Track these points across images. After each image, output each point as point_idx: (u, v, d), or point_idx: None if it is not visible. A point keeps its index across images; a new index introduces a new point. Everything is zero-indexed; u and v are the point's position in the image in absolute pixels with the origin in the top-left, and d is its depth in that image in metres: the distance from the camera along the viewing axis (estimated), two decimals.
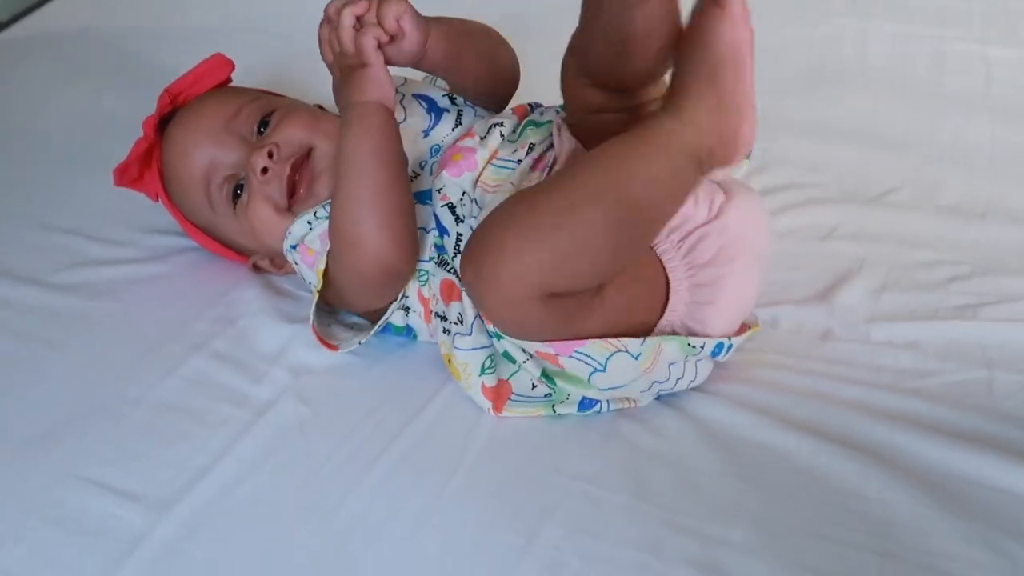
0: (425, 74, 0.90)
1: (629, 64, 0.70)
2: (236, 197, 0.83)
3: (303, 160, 0.82)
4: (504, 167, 0.78)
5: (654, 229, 0.68)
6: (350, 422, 0.74)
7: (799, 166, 0.99)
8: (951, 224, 0.90)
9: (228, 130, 0.83)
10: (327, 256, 0.77)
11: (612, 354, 0.68)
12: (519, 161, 0.78)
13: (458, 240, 0.76)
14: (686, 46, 0.65)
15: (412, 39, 0.77)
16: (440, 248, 0.77)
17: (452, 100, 0.87)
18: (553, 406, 0.73)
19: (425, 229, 0.78)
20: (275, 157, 0.81)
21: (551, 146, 0.79)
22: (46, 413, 0.76)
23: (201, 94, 0.88)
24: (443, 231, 0.77)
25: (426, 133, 0.84)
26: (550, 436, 0.72)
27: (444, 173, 0.78)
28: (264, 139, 0.82)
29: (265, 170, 0.80)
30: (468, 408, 0.75)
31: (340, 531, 0.66)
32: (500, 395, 0.74)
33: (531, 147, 0.79)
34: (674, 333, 0.71)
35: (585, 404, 0.73)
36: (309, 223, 0.81)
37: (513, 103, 0.88)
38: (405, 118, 0.84)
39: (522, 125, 0.82)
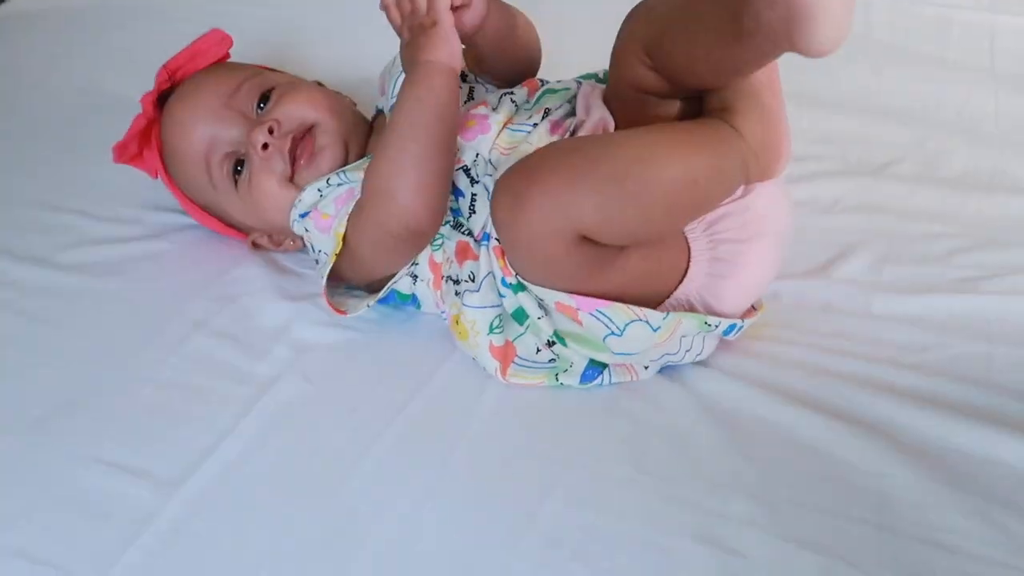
0: None
1: (698, 74, 0.70)
2: (236, 174, 0.83)
3: (303, 135, 0.82)
4: (519, 131, 0.79)
5: (696, 214, 0.71)
6: (353, 399, 0.75)
7: (801, 139, 0.96)
8: (954, 196, 0.90)
9: (228, 106, 0.83)
10: (347, 218, 0.77)
11: (632, 321, 0.69)
12: (534, 124, 0.78)
13: (473, 199, 0.77)
14: None
15: (477, 10, 0.78)
16: (455, 211, 0.78)
17: (464, 78, 0.87)
18: (556, 374, 0.74)
19: None
20: (276, 133, 0.81)
21: (570, 113, 0.79)
22: (54, 393, 0.77)
23: (200, 70, 0.88)
24: (458, 193, 0.78)
25: None
26: (551, 410, 0.72)
27: (458, 138, 0.79)
28: (264, 115, 0.83)
29: (266, 146, 0.80)
30: (470, 383, 0.75)
31: (345, 507, 0.66)
32: (506, 356, 0.74)
33: (547, 111, 0.79)
34: (691, 308, 0.72)
35: (587, 375, 0.73)
36: (320, 190, 0.81)
37: None
38: None
39: (539, 93, 0.83)
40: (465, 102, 0.84)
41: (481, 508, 0.66)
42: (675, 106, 0.74)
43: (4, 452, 0.72)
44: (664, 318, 0.69)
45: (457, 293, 0.77)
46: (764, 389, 0.71)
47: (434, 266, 0.79)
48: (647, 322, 0.69)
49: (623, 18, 0.73)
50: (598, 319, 0.70)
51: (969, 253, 0.83)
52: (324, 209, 0.79)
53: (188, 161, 0.85)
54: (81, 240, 0.93)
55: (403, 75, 0.85)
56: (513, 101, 0.83)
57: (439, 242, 0.79)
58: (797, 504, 0.63)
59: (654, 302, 0.71)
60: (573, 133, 0.76)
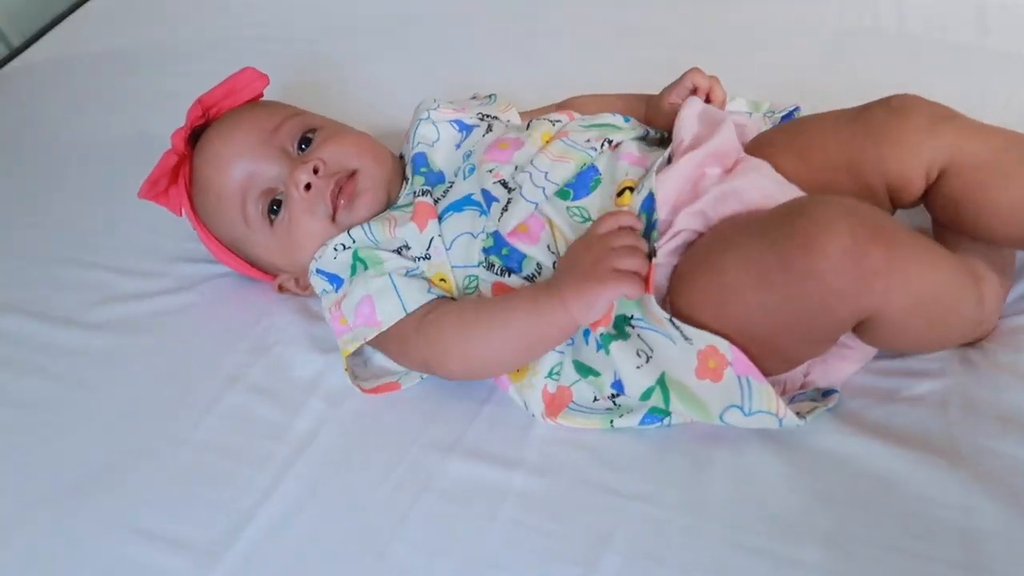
0: (476, 100, 0.94)
1: (989, 220, 0.69)
2: (272, 212, 0.81)
3: (345, 180, 0.80)
4: (577, 147, 0.77)
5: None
6: (393, 451, 0.72)
7: None
8: None
9: (269, 143, 0.82)
10: (370, 336, 0.75)
11: (767, 413, 0.64)
12: (594, 149, 0.76)
13: (508, 203, 0.74)
14: None
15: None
16: (487, 250, 0.75)
17: (481, 118, 0.86)
18: (612, 420, 0.70)
19: (472, 235, 0.76)
20: (320, 173, 0.79)
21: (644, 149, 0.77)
22: (89, 460, 0.75)
23: (238, 106, 0.87)
24: (490, 200, 0.75)
25: (458, 145, 0.84)
26: (601, 453, 0.69)
27: (493, 159, 0.78)
28: (308, 154, 0.81)
29: (309, 186, 0.79)
30: (512, 426, 0.72)
31: (394, 567, 0.64)
32: (558, 402, 0.71)
33: (609, 141, 0.77)
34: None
35: (648, 418, 0.69)
36: (336, 249, 0.79)
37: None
38: (439, 137, 0.84)
39: (596, 122, 0.81)
40: (484, 135, 0.83)
41: (535, 564, 0.62)
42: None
43: (40, 525, 0.70)
44: (798, 424, 0.64)
45: None
46: (831, 417, 0.67)
47: None
48: (780, 419, 0.64)
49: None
50: (741, 386, 0.64)
51: None
52: (345, 311, 0.76)
53: (223, 197, 0.83)
54: (109, 297, 0.92)
55: (422, 122, 0.84)
56: (549, 121, 0.82)
57: (473, 285, 0.76)
58: (876, 545, 0.59)
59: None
60: (669, 160, 0.73)
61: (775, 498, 0.63)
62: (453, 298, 0.77)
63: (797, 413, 0.65)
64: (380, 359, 0.80)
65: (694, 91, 0.85)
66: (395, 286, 0.75)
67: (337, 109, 1.11)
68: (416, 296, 0.74)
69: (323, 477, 0.71)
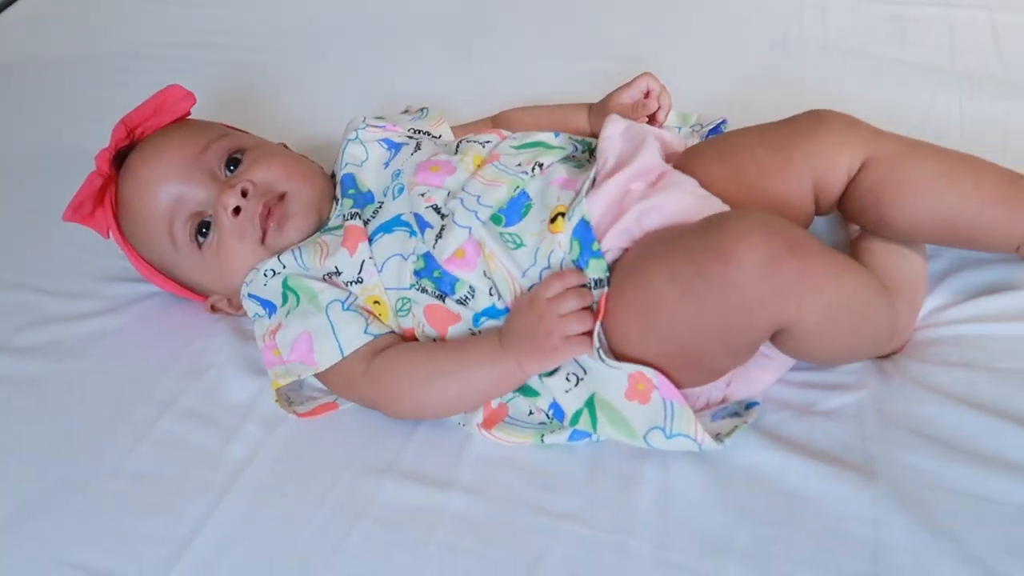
0: (408, 114, 0.95)
1: (915, 219, 0.73)
2: (201, 235, 0.81)
3: (275, 202, 0.80)
4: (508, 171, 0.78)
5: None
6: (328, 476, 0.72)
7: None
8: None
9: (196, 166, 0.81)
10: (305, 374, 0.76)
11: (687, 436, 0.66)
12: (526, 173, 0.77)
13: (441, 230, 0.75)
14: None
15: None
16: (418, 272, 0.75)
17: (412, 134, 0.86)
18: (542, 435, 0.72)
19: (403, 256, 0.76)
20: (249, 196, 0.79)
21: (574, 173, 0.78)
22: (18, 492, 0.74)
23: (163, 127, 0.85)
24: (423, 225, 0.76)
25: (387, 164, 0.84)
26: (533, 472, 0.70)
27: (426, 182, 0.78)
28: (236, 177, 0.81)
29: (238, 210, 0.78)
30: (446, 447, 0.73)
31: None
32: (496, 415, 0.73)
33: (539, 165, 0.78)
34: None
35: (577, 434, 0.71)
36: (266, 274, 0.79)
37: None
38: (368, 156, 0.84)
39: (529, 142, 0.82)
40: (412, 154, 0.83)
41: None
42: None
43: None
44: (717, 448, 0.66)
45: None
46: (752, 431, 0.70)
47: (405, 331, 0.77)
48: (700, 445, 0.66)
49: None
50: (665, 409, 0.67)
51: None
52: (280, 343, 0.77)
53: (149, 220, 0.82)
54: (37, 320, 0.90)
55: (350, 142, 0.84)
56: (479, 143, 0.83)
57: (406, 308, 0.77)
58: (793, 562, 0.62)
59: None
60: (593, 181, 0.74)
61: (698, 515, 0.65)
62: (393, 331, 0.77)
63: (718, 434, 0.67)
64: (315, 380, 0.80)
65: (647, 95, 0.88)
66: (333, 326, 0.75)
67: (270, 120, 1.11)
68: (354, 337, 0.75)
69: (257, 505, 0.71)
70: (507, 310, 0.73)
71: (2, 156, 1.13)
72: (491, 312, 0.73)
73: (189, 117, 0.89)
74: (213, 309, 0.87)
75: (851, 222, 0.80)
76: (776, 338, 0.67)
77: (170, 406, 0.80)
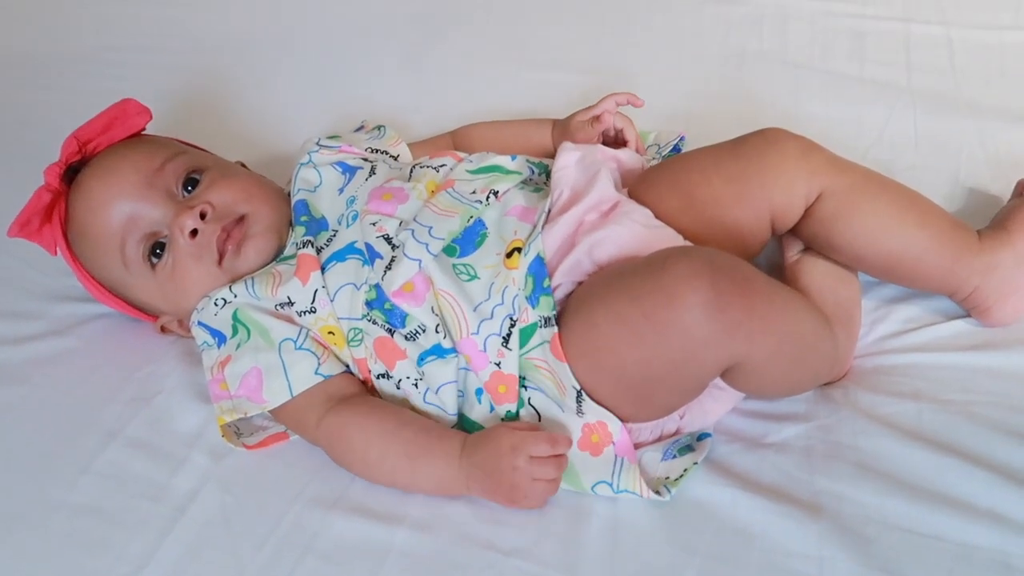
0: (364, 131, 0.93)
1: (857, 250, 0.75)
2: (155, 255, 0.79)
3: (233, 225, 0.79)
4: (463, 200, 0.76)
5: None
6: (275, 509, 0.71)
7: None
8: None
9: (152, 184, 0.79)
10: (252, 412, 0.75)
11: (634, 493, 0.67)
12: (479, 202, 0.76)
13: (392, 261, 0.74)
14: None
15: None
16: (369, 303, 0.74)
17: (365, 159, 0.85)
18: None
19: (356, 286, 0.75)
20: (207, 218, 0.77)
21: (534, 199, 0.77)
22: None
23: (118, 142, 0.83)
24: (374, 256, 0.75)
25: (341, 189, 0.82)
26: (481, 507, 0.70)
27: (377, 211, 0.77)
28: (194, 198, 0.79)
29: (195, 232, 0.77)
30: None
31: None
32: None
33: (495, 193, 0.77)
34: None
35: None
36: (216, 304, 0.77)
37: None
38: (322, 181, 0.82)
39: (484, 166, 0.81)
40: (367, 179, 0.82)
41: None
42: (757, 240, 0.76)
43: None
44: (662, 502, 0.67)
45: (399, 388, 0.74)
46: (704, 466, 0.70)
47: (358, 361, 0.76)
48: (642, 498, 0.67)
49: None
50: (615, 465, 0.67)
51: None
52: (228, 377, 0.75)
53: (101, 239, 0.80)
54: None
55: (303, 166, 0.83)
56: (433, 168, 0.82)
57: (358, 338, 0.75)
58: None
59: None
60: (548, 214, 0.73)
61: (646, 550, 0.66)
62: (347, 370, 0.76)
63: (667, 478, 0.67)
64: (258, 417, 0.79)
65: (600, 116, 0.86)
66: (284, 364, 0.74)
67: (221, 129, 1.09)
68: (304, 378, 0.74)
69: (203, 541, 0.70)
70: (454, 351, 0.72)
71: None
72: (437, 351, 0.72)
73: (144, 133, 0.87)
74: (163, 330, 0.85)
75: (797, 239, 0.80)
76: (726, 374, 0.67)
77: (116, 435, 0.78)
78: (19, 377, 0.84)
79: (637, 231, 0.72)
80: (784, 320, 0.65)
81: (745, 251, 0.75)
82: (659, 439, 0.71)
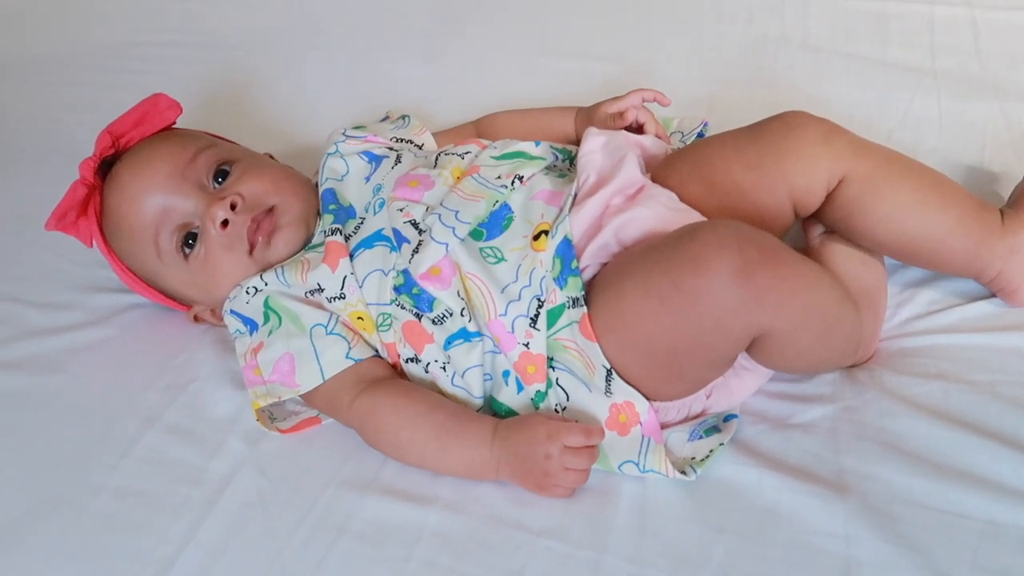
0: (389, 121, 0.94)
1: (878, 234, 0.75)
2: (187, 246, 0.81)
3: (263, 216, 0.80)
4: (489, 185, 0.77)
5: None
6: (309, 492, 0.73)
7: None
8: None
9: (184, 176, 0.81)
10: (286, 396, 0.76)
11: (658, 472, 0.68)
12: (504, 186, 0.77)
13: (419, 244, 0.75)
14: None
15: None
16: (397, 288, 0.76)
17: (391, 148, 0.86)
18: None
19: (384, 271, 0.76)
20: (238, 209, 0.79)
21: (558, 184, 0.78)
22: (9, 508, 0.75)
23: (150, 136, 0.85)
24: (401, 240, 0.76)
25: (367, 178, 0.83)
26: (510, 488, 0.71)
27: (404, 197, 0.78)
28: (225, 189, 0.81)
29: (226, 223, 0.78)
30: None
31: None
32: None
33: (519, 178, 0.78)
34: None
35: None
36: (248, 292, 0.79)
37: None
38: (349, 170, 0.84)
39: (508, 152, 0.81)
40: (393, 167, 0.83)
41: None
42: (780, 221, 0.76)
43: None
44: (688, 480, 0.67)
45: (428, 371, 0.76)
46: (730, 447, 0.71)
47: (387, 346, 0.78)
48: (668, 478, 0.68)
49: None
50: (641, 445, 0.68)
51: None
52: (261, 362, 0.77)
53: (135, 231, 0.82)
54: (19, 332, 0.90)
55: (330, 156, 0.84)
56: (458, 155, 0.83)
57: (387, 323, 0.77)
58: None
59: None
60: (575, 197, 0.74)
61: (674, 529, 0.67)
62: (377, 354, 0.78)
63: (693, 459, 0.68)
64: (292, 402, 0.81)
65: (625, 112, 0.87)
66: (315, 349, 0.76)
67: (247, 122, 1.10)
68: (336, 362, 0.75)
69: (240, 522, 0.72)
70: (479, 334, 0.73)
71: None
72: (462, 335, 0.74)
73: (174, 126, 0.89)
74: (197, 319, 0.87)
75: (820, 223, 0.80)
76: (752, 348, 0.68)
77: (154, 421, 0.80)
78: (58, 366, 0.86)
79: (663, 213, 0.73)
80: (811, 291, 0.66)
81: None
82: (686, 419, 0.72)
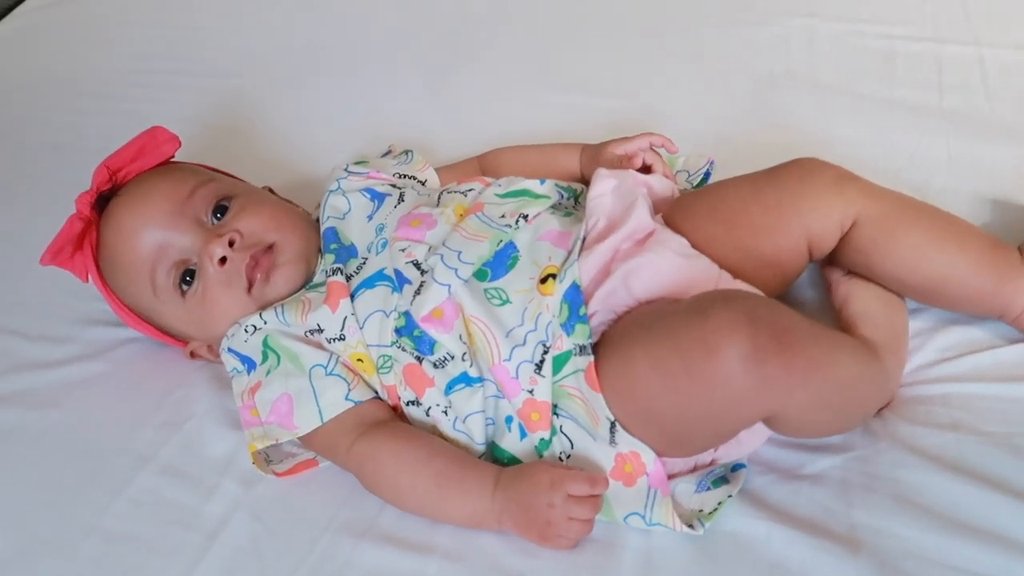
0: (391, 156, 0.94)
1: (899, 274, 0.74)
2: (185, 283, 0.80)
3: (262, 253, 0.79)
4: (492, 224, 0.76)
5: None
6: (305, 537, 0.71)
7: None
8: None
9: (182, 212, 0.80)
10: (283, 438, 0.75)
11: (665, 526, 0.66)
12: (508, 225, 0.76)
13: (420, 286, 0.74)
14: None
15: None
16: (399, 330, 0.74)
17: (394, 185, 0.85)
18: None
19: (385, 313, 0.75)
20: (236, 246, 0.78)
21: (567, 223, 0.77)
22: None
23: (148, 171, 0.84)
24: (403, 281, 0.75)
25: (370, 216, 0.82)
26: (512, 538, 0.68)
27: (406, 238, 0.77)
28: (223, 226, 0.80)
29: (224, 260, 0.77)
30: None
31: None
32: None
33: (524, 216, 0.77)
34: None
35: None
36: (247, 331, 0.78)
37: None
38: (351, 208, 0.83)
39: (513, 190, 0.80)
40: (396, 206, 0.82)
41: None
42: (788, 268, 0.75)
43: None
44: (695, 535, 0.66)
45: (429, 415, 0.74)
46: (739, 498, 0.69)
47: (387, 387, 0.76)
48: (674, 531, 0.66)
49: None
50: (648, 499, 0.66)
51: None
52: (259, 403, 0.75)
53: (131, 267, 0.81)
54: (13, 365, 0.89)
55: (332, 193, 0.83)
56: (461, 192, 0.82)
57: (388, 365, 0.75)
58: None
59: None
60: (583, 241, 0.73)
61: None
62: (377, 396, 0.76)
63: (700, 511, 0.66)
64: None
65: (633, 155, 0.85)
66: (314, 390, 0.74)
67: (247, 150, 1.09)
68: (335, 404, 0.74)
69: (234, 569, 0.70)
70: (480, 379, 0.71)
71: None
72: (464, 379, 0.72)
73: (173, 160, 0.88)
74: (193, 355, 0.86)
75: (839, 267, 0.79)
76: (766, 420, 0.67)
77: (148, 460, 0.79)
78: (52, 401, 0.85)
79: (673, 259, 0.71)
80: (826, 373, 0.64)
81: (783, 278, 0.75)
82: (693, 470, 0.70)
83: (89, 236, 0.83)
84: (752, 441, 0.71)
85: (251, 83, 1.23)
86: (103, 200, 0.84)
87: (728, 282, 0.74)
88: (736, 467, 0.70)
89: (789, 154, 0.78)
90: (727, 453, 0.71)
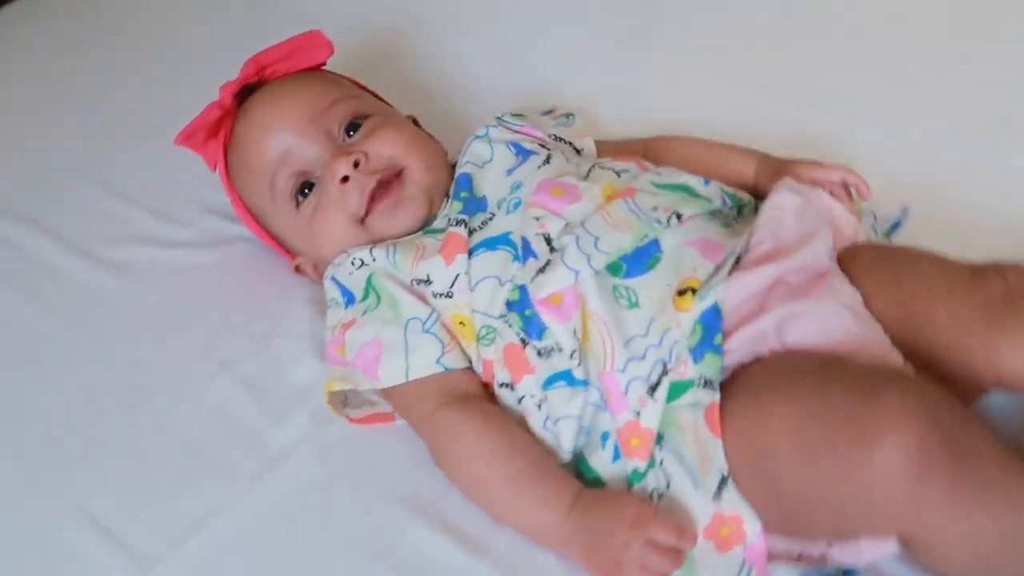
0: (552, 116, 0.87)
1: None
2: (302, 195, 0.76)
3: (391, 179, 0.74)
4: (643, 215, 0.69)
5: None
6: (362, 498, 0.67)
7: None
8: None
9: (315, 123, 0.76)
10: (363, 386, 0.70)
11: None
12: (659, 221, 0.68)
13: (546, 264, 0.67)
14: None
15: None
16: (510, 304, 0.68)
17: (543, 145, 0.78)
18: None
19: (500, 281, 0.69)
20: (360, 167, 0.73)
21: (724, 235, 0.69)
22: (61, 416, 0.74)
23: (292, 73, 0.81)
24: (528, 254, 0.69)
25: (510, 171, 0.76)
26: (573, 567, 0.61)
27: (544, 206, 0.71)
28: (352, 144, 0.76)
29: (346, 179, 0.73)
30: None
31: None
32: None
33: (678, 215, 0.69)
34: None
35: None
36: (353, 263, 0.73)
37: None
38: (492, 158, 0.77)
39: (674, 183, 0.73)
40: (539, 167, 0.75)
41: None
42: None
43: None
44: None
45: (520, 404, 0.67)
46: None
47: (485, 362, 0.70)
48: None
49: None
50: (740, 572, 0.58)
51: None
52: (348, 342, 0.70)
53: (255, 167, 0.78)
54: (129, 235, 0.89)
55: (477, 138, 0.78)
56: (614, 171, 0.74)
57: (490, 336, 0.69)
58: None
59: None
60: (736, 260, 0.64)
61: None
62: (470, 367, 0.70)
63: None
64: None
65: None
66: (407, 345, 0.69)
67: (408, 81, 1.03)
68: (424, 364, 0.68)
69: (281, 509, 0.66)
70: (585, 382, 0.64)
71: (124, 69, 1.11)
72: (566, 377, 0.65)
73: (323, 68, 0.84)
74: (298, 270, 0.82)
75: None
76: (902, 537, 0.56)
77: (229, 367, 0.76)
78: (159, 280, 0.85)
79: (842, 315, 0.61)
80: (997, 514, 0.53)
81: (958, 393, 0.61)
82: (799, 558, 0.61)
83: (225, 125, 0.81)
84: (875, 550, 0.61)
85: (427, 14, 1.16)
86: (247, 92, 0.81)
87: (896, 362, 0.62)
88: (848, 572, 0.60)
89: (1000, 230, 0.65)
90: (843, 553, 0.61)
